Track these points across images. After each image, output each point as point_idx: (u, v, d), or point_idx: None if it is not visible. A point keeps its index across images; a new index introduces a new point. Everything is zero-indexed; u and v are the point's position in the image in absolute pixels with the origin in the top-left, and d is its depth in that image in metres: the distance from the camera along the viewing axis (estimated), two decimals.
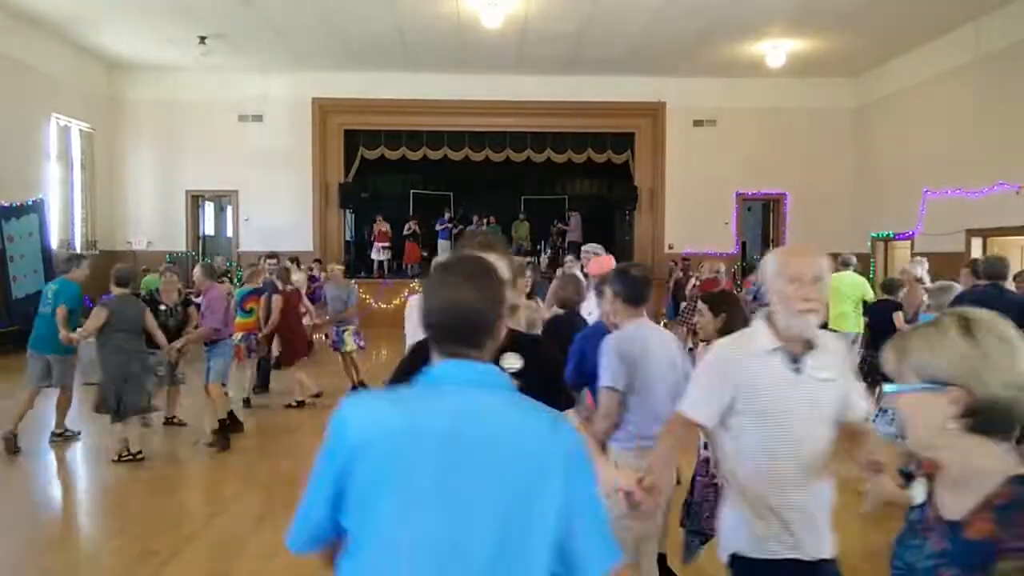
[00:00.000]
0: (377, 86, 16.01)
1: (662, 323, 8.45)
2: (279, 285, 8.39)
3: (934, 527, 1.40)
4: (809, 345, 2.22)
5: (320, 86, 16.17)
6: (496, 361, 1.64)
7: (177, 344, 6.83)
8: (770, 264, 2.26)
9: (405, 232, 17.82)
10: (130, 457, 6.28)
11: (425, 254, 17.63)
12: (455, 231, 18.47)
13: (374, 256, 17.20)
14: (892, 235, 14.85)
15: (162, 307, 6.92)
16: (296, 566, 4.48)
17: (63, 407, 6.95)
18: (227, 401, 7.29)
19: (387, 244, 17.22)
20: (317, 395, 8.47)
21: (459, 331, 1.46)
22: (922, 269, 8.57)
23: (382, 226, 17.24)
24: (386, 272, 17.16)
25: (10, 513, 5.46)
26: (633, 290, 3.43)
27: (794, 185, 16.59)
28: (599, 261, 5.39)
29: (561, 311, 4.86)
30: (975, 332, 1.35)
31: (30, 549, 4.75)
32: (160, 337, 6.59)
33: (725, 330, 3.25)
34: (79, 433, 7.09)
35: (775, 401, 2.19)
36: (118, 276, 6.49)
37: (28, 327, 6.98)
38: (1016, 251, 11.66)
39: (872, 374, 6.02)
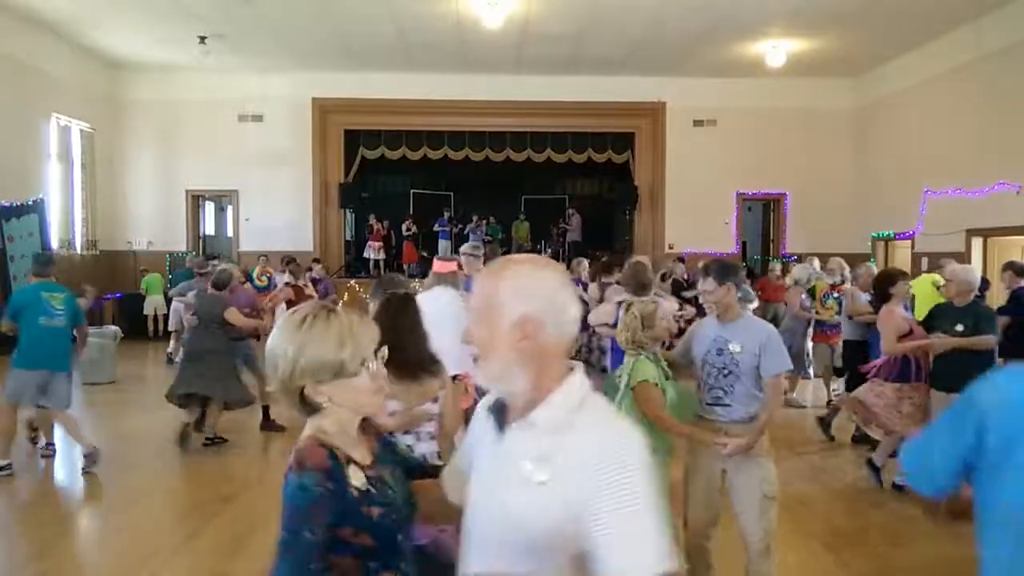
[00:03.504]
0: (377, 86, 16.00)
1: None
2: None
3: None
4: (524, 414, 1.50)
5: (320, 86, 16.17)
6: None
7: None
8: None
9: (404, 232, 17.85)
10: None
11: (425, 254, 17.64)
12: (455, 231, 18.50)
13: (366, 255, 17.25)
14: (892, 235, 14.85)
15: None
16: None
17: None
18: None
19: (379, 243, 17.23)
20: None
21: None
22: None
23: (375, 225, 17.26)
24: (382, 271, 17.16)
25: (9, 514, 5.46)
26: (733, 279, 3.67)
27: (794, 185, 16.59)
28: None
29: None
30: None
31: (29, 550, 4.75)
32: None
33: None
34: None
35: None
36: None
37: None
38: (1016, 251, 11.66)
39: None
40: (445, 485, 1.74)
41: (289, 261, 10.94)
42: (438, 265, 5.55)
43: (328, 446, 1.58)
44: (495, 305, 1.48)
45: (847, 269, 8.44)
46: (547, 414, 1.45)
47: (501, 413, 1.54)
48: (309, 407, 1.62)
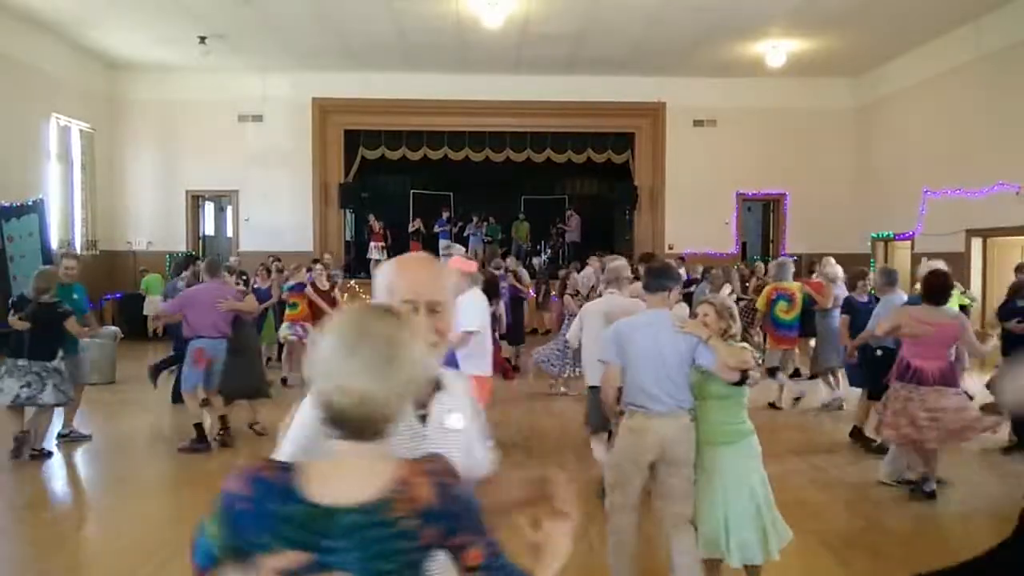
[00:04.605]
0: (377, 86, 16.00)
1: None
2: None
3: None
4: (436, 386, 1.76)
5: (320, 86, 16.17)
6: None
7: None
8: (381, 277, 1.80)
9: (410, 230, 17.92)
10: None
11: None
12: (455, 231, 18.54)
13: (370, 256, 17.29)
14: (892, 235, 14.85)
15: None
16: None
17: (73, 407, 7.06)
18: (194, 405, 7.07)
19: (382, 244, 17.26)
20: None
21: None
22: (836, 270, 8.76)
23: (375, 225, 17.31)
24: None
25: (11, 514, 5.46)
26: (644, 279, 4.12)
27: (794, 185, 16.59)
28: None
29: None
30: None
31: (29, 550, 4.75)
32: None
33: None
34: (90, 436, 7.13)
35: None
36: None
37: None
38: (1016, 251, 11.66)
39: None
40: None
41: (274, 260, 11.15)
42: (465, 265, 5.72)
43: None
44: (451, 297, 1.77)
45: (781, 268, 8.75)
46: (447, 380, 1.78)
47: None
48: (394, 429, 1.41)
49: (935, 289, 5.56)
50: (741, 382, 3.65)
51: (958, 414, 5.39)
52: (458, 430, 1.75)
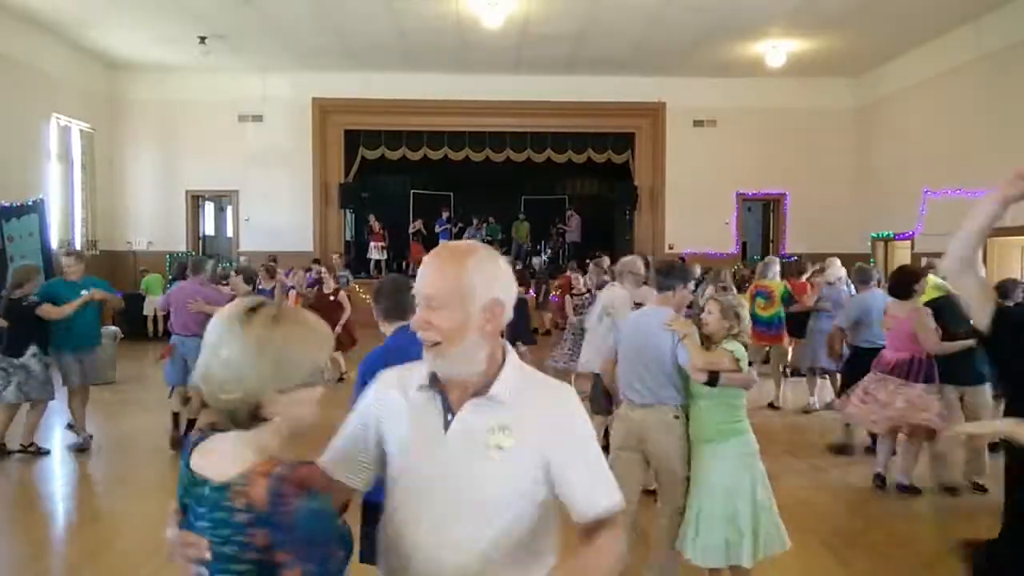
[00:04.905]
0: (377, 86, 16.01)
1: None
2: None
3: None
4: (480, 391, 1.58)
5: (320, 86, 16.17)
6: None
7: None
8: None
9: (411, 231, 17.91)
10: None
11: None
12: (455, 231, 18.55)
13: (370, 256, 17.32)
14: (892, 235, 14.85)
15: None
16: None
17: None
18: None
19: (382, 244, 17.28)
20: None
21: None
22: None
23: (375, 225, 17.32)
24: (383, 271, 17.18)
25: (9, 513, 5.46)
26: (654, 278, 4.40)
27: (794, 185, 16.59)
28: None
29: None
30: None
31: (29, 550, 4.75)
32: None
33: None
34: (91, 435, 7.09)
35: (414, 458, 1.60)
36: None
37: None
38: (1016, 251, 11.65)
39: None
40: (336, 471, 1.64)
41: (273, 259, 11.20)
42: None
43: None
44: (467, 290, 1.52)
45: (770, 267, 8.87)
46: (505, 388, 1.57)
47: (442, 393, 1.60)
48: (251, 422, 1.40)
49: (898, 283, 5.80)
50: (711, 383, 3.59)
51: (882, 408, 5.51)
52: (502, 448, 1.53)
